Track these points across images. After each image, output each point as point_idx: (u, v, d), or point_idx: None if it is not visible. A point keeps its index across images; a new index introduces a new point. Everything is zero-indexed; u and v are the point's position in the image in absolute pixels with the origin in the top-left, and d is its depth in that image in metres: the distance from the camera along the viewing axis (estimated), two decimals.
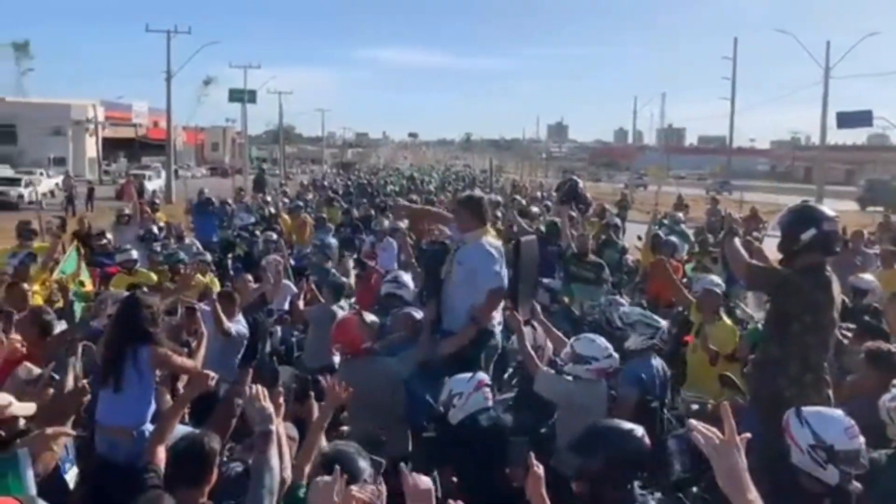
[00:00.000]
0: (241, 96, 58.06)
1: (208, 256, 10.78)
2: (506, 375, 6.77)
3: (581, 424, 4.79)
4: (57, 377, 4.25)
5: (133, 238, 11.65)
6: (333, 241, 12.36)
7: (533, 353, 5.36)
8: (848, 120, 40.57)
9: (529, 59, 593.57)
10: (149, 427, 4.20)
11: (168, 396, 4.55)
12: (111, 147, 67.28)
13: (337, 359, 6.21)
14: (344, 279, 8.83)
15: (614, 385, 5.35)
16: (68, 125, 62.70)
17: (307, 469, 3.38)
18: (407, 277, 7.62)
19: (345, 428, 4.31)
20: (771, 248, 5.37)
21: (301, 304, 8.23)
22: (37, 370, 4.58)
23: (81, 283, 9.20)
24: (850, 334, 5.79)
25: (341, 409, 5.84)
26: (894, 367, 4.68)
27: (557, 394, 4.90)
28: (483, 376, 4.86)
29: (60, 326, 6.12)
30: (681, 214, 15.41)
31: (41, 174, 41.03)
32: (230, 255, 12.94)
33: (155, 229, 12.45)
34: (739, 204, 22.87)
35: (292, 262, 11.18)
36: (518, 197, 21.69)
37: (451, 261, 5.89)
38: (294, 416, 4.36)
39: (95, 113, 62.65)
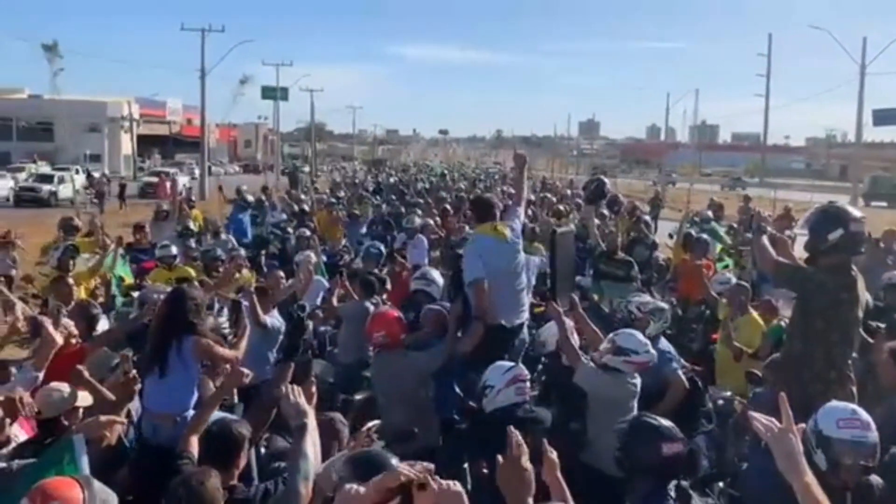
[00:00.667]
0: (274, 94, 58.66)
1: (242, 252, 10.98)
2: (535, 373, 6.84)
3: (611, 418, 4.90)
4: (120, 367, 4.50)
5: (171, 234, 11.89)
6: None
7: (575, 345, 5.41)
8: (884, 117, 40.14)
9: (561, 56, 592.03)
10: (192, 414, 4.38)
11: (211, 385, 4.75)
12: (146, 144, 68.21)
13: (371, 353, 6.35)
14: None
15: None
16: (104, 122, 63.71)
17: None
18: (436, 274, 7.72)
19: (377, 421, 4.42)
20: (802, 246, 5.43)
21: (334, 300, 8.37)
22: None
23: (121, 279, 9.46)
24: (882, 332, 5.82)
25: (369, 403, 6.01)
26: None
27: (595, 386, 4.94)
28: (519, 371, 4.79)
29: (103, 321, 6.36)
30: (710, 213, 15.31)
31: (77, 171, 41.46)
32: (263, 252, 13.12)
33: (192, 225, 12.68)
34: (773, 202, 22.65)
35: (324, 258, 11.32)
36: (549, 195, 21.68)
37: None
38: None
39: (130, 110, 63.53)
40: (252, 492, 3.52)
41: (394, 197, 23.00)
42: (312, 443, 3.21)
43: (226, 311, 6.79)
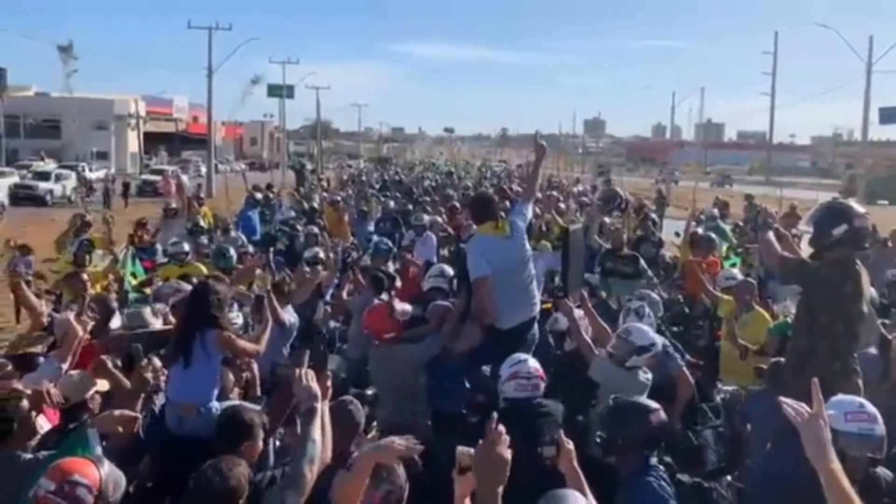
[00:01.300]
0: (280, 91, 58.73)
1: (251, 249, 11.06)
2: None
3: None
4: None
5: (181, 231, 12.00)
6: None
7: (589, 340, 5.47)
8: (890, 115, 40.16)
9: (566, 54, 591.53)
10: (215, 405, 4.52)
11: (231, 377, 4.87)
12: (152, 141, 68.30)
13: None
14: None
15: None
16: (111, 120, 63.85)
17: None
18: (450, 271, 7.78)
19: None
20: (807, 242, 5.52)
21: (344, 294, 8.45)
22: None
23: (133, 275, 9.57)
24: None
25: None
26: None
27: (610, 379, 5.02)
28: (523, 367, 4.73)
29: (116, 316, 6.46)
30: (716, 211, 15.36)
31: (82, 168, 41.43)
32: (272, 249, 13.20)
33: (202, 222, 12.77)
34: (779, 200, 22.63)
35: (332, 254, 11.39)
36: (555, 193, 21.70)
37: None
38: None
39: (137, 108, 63.57)
40: (258, 477, 3.60)
41: (399, 195, 23.07)
42: (321, 428, 3.30)
43: (235, 306, 6.88)
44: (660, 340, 5.15)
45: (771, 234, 5.05)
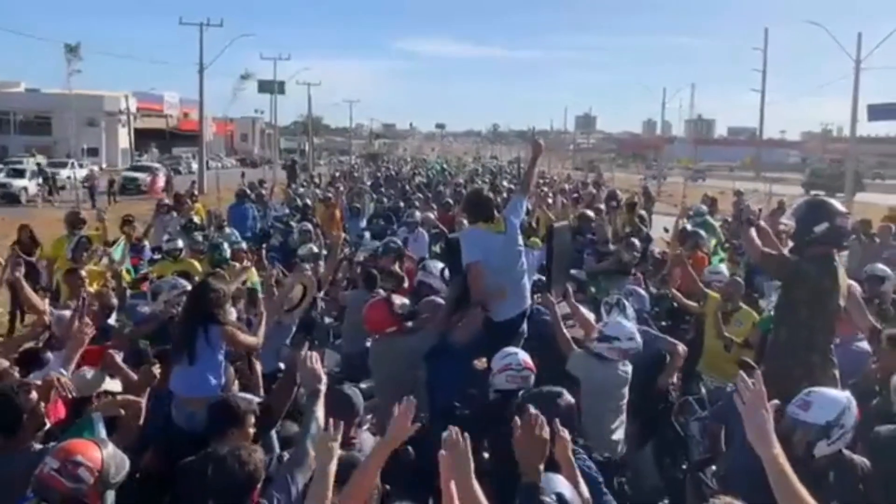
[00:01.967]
0: (271, 87, 58.49)
1: (244, 245, 11.13)
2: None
3: (602, 405, 5.13)
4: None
5: (175, 227, 12.05)
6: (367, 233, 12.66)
7: (567, 334, 5.61)
8: (879, 112, 40.19)
9: (557, 50, 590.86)
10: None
11: (232, 370, 5.01)
12: (143, 138, 67.95)
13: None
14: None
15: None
16: (101, 116, 63.59)
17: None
18: (433, 265, 7.91)
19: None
20: None
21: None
22: None
23: (128, 271, 9.66)
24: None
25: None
26: None
27: (586, 370, 5.18)
28: (514, 360, 4.82)
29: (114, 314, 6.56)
30: (704, 207, 15.47)
31: (72, 165, 40.79)
32: (265, 245, 13.26)
33: (196, 219, 12.82)
34: (768, 197, 22.78)
35: (325, 251, 11.47)
36: (546, 189, 21.75)
37: None
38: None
39: (128, 104, 63.27)
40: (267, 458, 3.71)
41: (391, 191, 23.10)
42: (322, 410, 3.43)
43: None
44: (629, 336, 5.29)
45: (752, 230, 5.20)
